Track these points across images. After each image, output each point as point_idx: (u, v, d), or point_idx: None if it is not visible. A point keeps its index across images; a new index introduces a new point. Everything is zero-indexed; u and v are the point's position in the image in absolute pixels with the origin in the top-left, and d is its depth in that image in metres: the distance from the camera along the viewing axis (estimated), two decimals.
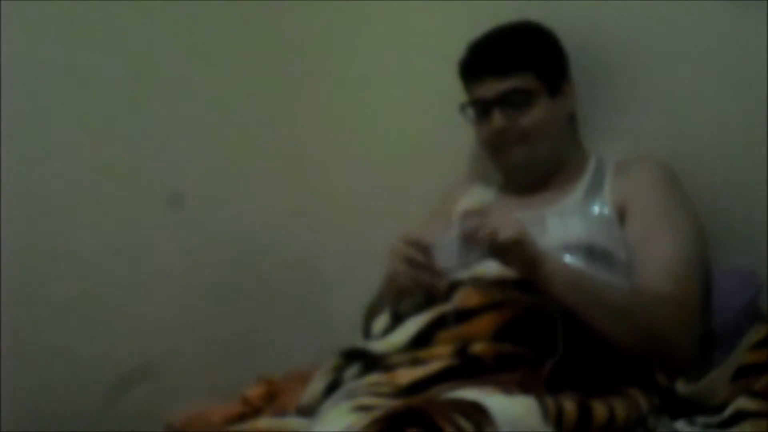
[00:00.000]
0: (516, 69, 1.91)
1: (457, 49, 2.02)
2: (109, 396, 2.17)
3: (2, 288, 2.07)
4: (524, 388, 1.52)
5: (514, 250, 1.66)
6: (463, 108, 2.00)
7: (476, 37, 1.99)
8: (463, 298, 1.73)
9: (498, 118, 1.92)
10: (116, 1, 2.20)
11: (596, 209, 1.90)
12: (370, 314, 1.92)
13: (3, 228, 2.07)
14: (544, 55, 1.97)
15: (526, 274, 1.69)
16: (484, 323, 1.69)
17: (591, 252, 1.83)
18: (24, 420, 2.07)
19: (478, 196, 2.08)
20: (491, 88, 1.92)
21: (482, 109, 1.95)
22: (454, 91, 2.02)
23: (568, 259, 1.82)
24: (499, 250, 1.65)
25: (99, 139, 2.21)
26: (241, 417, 1.79)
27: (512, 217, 1.70)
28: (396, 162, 2.31)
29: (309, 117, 2.44)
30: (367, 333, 1.86)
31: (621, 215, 1.88)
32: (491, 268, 1.73)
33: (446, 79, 2.03)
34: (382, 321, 1.80)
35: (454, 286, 1.75)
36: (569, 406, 1.53)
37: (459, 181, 2.15)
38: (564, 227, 1.87)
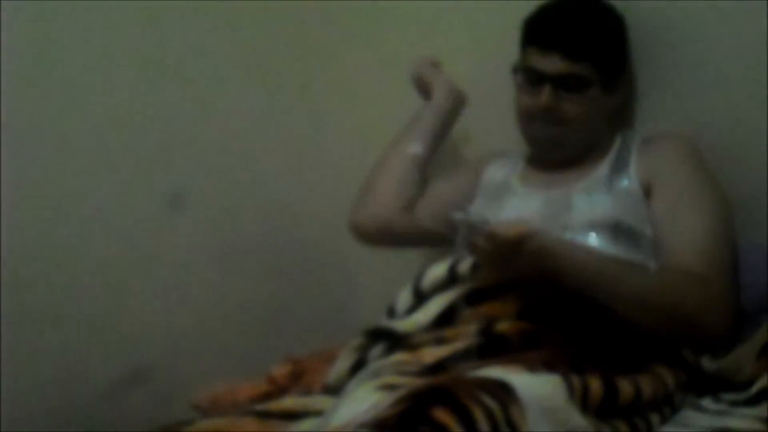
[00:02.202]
0: (583, 56, 1.89)
1: (477, 29, 2.03)
2: (110, 395, 2.20)
3: (2, 288, 2.09)
4: (549, 366, 1.55)
5: (512, 251, 1.67)
6: (516, 70, 1.97)
7: (551, 2, 1.96)
8: (485, 277, 1.76)
9: (547, 96, 1.90)
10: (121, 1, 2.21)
11: (622, 185, 1.91)
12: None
13: (3, 227, 2.09)
14: (611, 50, 1.95)
15: (535, 271, 1.71)
16: (509, 302, 1.72)
17: (617, 229, 1.84)
18: (24, 420, 2.09)
19: (504, 166, 2.09)
20: (553, 65, 1.89)
21: (535, 79, 1.93)
22: (481, 72, 2.04)
23: (593, 238, 1.83)
24: (497, 253, 1.69)
25: (107, 131, 2.23)
26: (267, 396, 1.83)
27: (514, 221, 1.73)
28: None
29: (333, 97, 2.46)
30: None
31: (646, 191, 1.89)
32: None
33: (474, 57, 2.05)
34: (405, 299, 1.83)
35: (476, 266, 1.77)
36: (595, 383, 1.56)
37: (488, 153, 2.16)
38: (590, 205, 1.88)
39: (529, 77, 1.94)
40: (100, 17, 2.20)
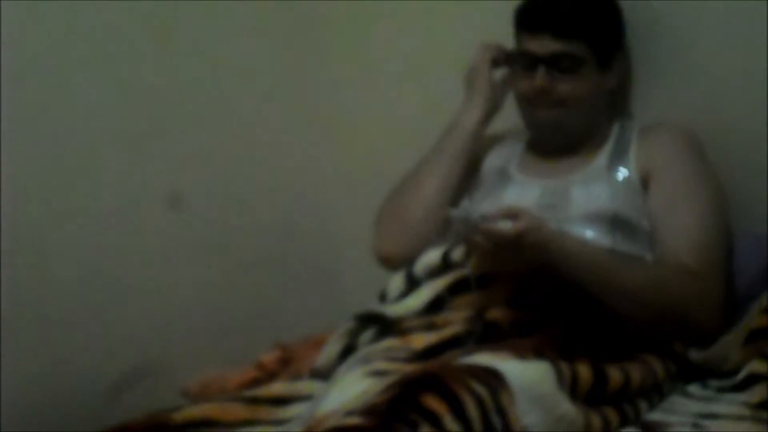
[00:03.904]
0: (574, 34, 1.92)
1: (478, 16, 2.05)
2: (110, 395, 2.22)
3: (2, 287, 2.11)
4: (539, 353, 1.58)
5: (511, 247, 1.70)
6: (510, 57, 2.01)
7: None
8: (478, 265, 1.77)
9: (541, 77, 1.92)
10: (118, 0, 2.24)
11: (621, 175, 1.93)
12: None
13: (3, 226, 2.11)
14: (604, 27, 1.98)
15: (531, 264, 1.74)
16: (500, 289, 1.76)
17: (615, 222, 1.86)
18: (24, 420, 2.11)
19: (502, 152, 2.09)
20: (544, 46, 1.92)
21: (529, 62, 1.95)
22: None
23: (589, 232, 1.85)
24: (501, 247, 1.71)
25: (100, 130, 2.26)
26: (256, 382, 1.85)
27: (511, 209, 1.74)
28: (411, 130, 2.35)
29: (324, 88, 2.49)
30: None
31: (644, 182, 1.91)
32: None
33: (465, 45, 2.07)
34: (397, 284, 1.86)
35: (470, 253, 1.80)
36: (584, 370, 1.60)
37: (488, 136, 2.14)
38: (588, 196, 1.90)
39: (524, 61, 1.97)
40: (101, 17, 2.23)
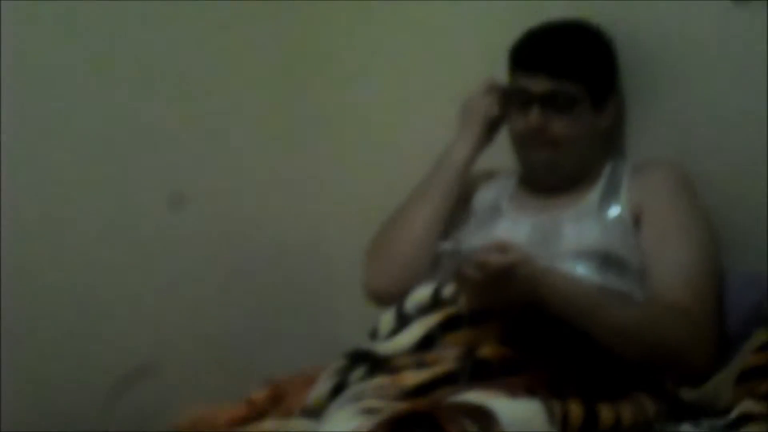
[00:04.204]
0: (569, 74, 1.94)
1: (461, 46, 2.08)
2: (110, 396, 2.23)
3: (2, 287, 2.13)
4: (530, 391, 1.59)
5: (503, 279, 1.71)
6: (507, 93, 2.02)
7: (536, 27, 2.00)
8: (469, 302, 1.78)
9: (536, 116, 1.94)
10: (117, 1, 2.27)
11: (612, 213, 1.94)
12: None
13: (3, 228, 2.14)
14: (598, 67, 2.00)
15: (522, 299, 1.74)
16: (492, 327, 1.75)
17: (606, 259, 1.87)
18: (24, 420, 2.12)
19: (493, 188, 2.11)
20: (540, 85, 1.94)
21: (524, 100, 1.97)
22: (464, 86, 2.09)
23: (580, 268, 1.86)
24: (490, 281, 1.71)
25: (100, 138, 2.29)
26: (246, 419, 1.84)
27: (501, 244, 1.74)
28: (404, 159, 2.36)
29: (316, 110, 2.51)
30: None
31: (636, 219, 1.92)
32: None
33: (456, 75, 2.09)
34: (388, 321, 1.86)
35: (460, 287, 1.80)
36: (575, 408, 1.60)
37: (480, 172, 2.16)
38: (579, 233, 1.91)
39: (519, 98, 1.98)
40: (101, 24, 2.26)
